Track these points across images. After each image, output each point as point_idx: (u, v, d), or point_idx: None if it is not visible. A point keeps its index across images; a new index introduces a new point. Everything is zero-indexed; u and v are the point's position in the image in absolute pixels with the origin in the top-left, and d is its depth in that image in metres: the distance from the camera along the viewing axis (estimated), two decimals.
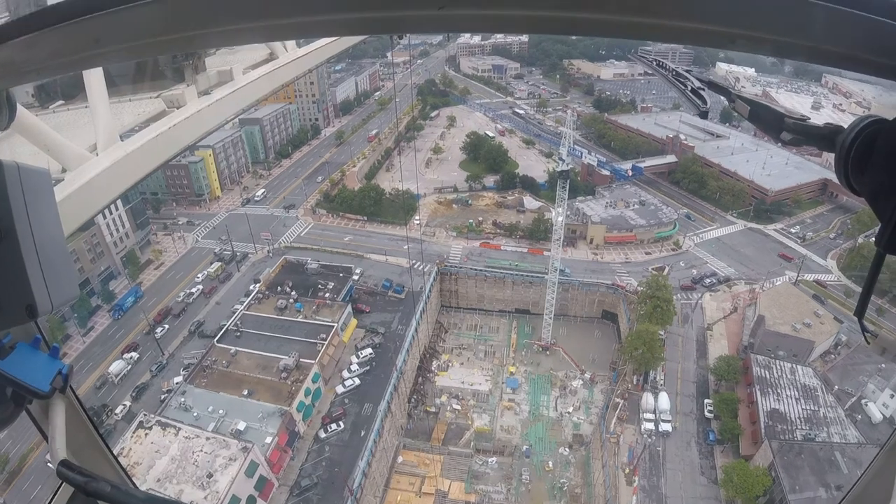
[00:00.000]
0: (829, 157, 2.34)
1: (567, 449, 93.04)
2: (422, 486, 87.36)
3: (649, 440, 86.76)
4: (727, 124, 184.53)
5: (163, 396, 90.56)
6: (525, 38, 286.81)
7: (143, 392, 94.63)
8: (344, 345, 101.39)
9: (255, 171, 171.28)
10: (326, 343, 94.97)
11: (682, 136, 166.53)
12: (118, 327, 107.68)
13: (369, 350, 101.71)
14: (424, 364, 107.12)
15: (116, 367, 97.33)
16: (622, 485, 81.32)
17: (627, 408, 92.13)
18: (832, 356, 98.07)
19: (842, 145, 2.24)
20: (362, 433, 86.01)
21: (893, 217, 2.02)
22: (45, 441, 3.34)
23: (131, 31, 2.69)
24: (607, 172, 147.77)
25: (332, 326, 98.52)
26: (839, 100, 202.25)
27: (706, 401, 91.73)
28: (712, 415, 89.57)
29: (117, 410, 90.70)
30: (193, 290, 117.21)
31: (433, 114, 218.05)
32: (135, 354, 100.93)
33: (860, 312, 2.50)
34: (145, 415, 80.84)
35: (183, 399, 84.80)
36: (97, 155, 7.78)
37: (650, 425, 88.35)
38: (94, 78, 7.80)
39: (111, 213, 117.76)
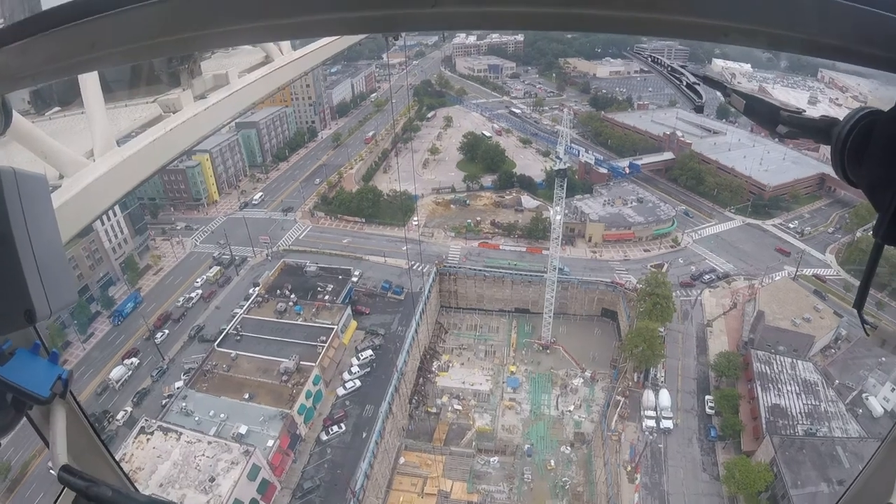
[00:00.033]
0: (827, 151, 2.33)
1: (569, 447, 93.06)
2: (424, 487, 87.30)
3: (651, 437, 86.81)
4: (724, 120, 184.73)
5: (164, 401, 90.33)
6: (520, 37, 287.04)
7: (144, 397, 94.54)
8: (344, 347, 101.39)
9: (252, 174, 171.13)
10: (327, 345, 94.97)
11: (678, 133, 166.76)
12: (118, 333, 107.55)
13: (369, 352, 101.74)
14: (425, 365, 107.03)
15: (117, 372, 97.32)
16: (624, 482, 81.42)
17: (628, 405, 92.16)
18: (832, 350, 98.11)
19: (838, 137, 2.24)
20: (364, 435, 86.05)
21: (891, 207, 2.00)
22: (47, 447, 3.35)
23: (126, 35, 2.69)
24: (605, 170, 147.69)
25: (332, 329, 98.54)
26: (835, 94, 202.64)
27: (707, 397, 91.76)
28: (713, 411, 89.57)
29: (119, 416, 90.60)
30: (193, 294, 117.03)
31: (430, 114, 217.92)
32: (135, 360, 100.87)
33: (859, 304, 2.49)
34: (147, 420, 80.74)
35: (184, 404, 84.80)
36: (94, 161, 7.78)
37: (651, 422, 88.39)
38: (90, 84, 7.80)
39: (109, 218, 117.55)
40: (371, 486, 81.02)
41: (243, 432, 79.70)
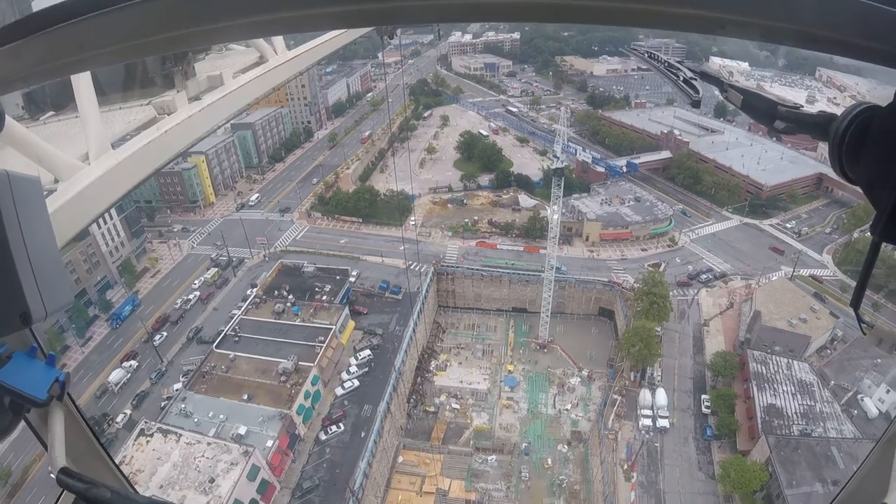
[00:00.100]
0: (825, 151, 2.35)
1: (566, 446, 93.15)
2: (422, 486, 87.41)
3: (647, 436, 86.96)
4: (722, 119, 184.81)
5: (163, 403, 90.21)
6: (517, 35, 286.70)
7: (143, 400, 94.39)
8: (342, 347, 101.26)
9: (248, 175, 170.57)
10: (325, 345, 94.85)
11: (676, 132, 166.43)
12: (116, 336, 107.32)
13: (367, 351, 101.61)
14: (423, 364, 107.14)
15: (116, 375, 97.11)
16: (621, 481, 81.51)
17: (625, 404, 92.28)
18: (828, 351, 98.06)
19: (835, 133, 2.24)
20: (362, 434, 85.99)
21: (889, 204, 1.99)
22: (45, 450, 3.36)
23: (116, 34, 2.71)
24: (602, 169, 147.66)
25: (330, 329, 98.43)
26: (833, 93, 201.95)
27: (703, 396, 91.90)
28: (709, 410, 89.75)
29: (118, 419, 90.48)
30: (191, 296, 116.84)
31: (426, 114, 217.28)
32: (134, 363, 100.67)
33: (856, 303, 2.52)
34: (146, 422, 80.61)
35: (183, 405, 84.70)
36: (89, 164, 7.80)
37: (648, 421, 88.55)
38: (83, 87, 7.82)
39: (106, 222, 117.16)
40: (370, 485, 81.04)
41: (242, 433, 79.59)
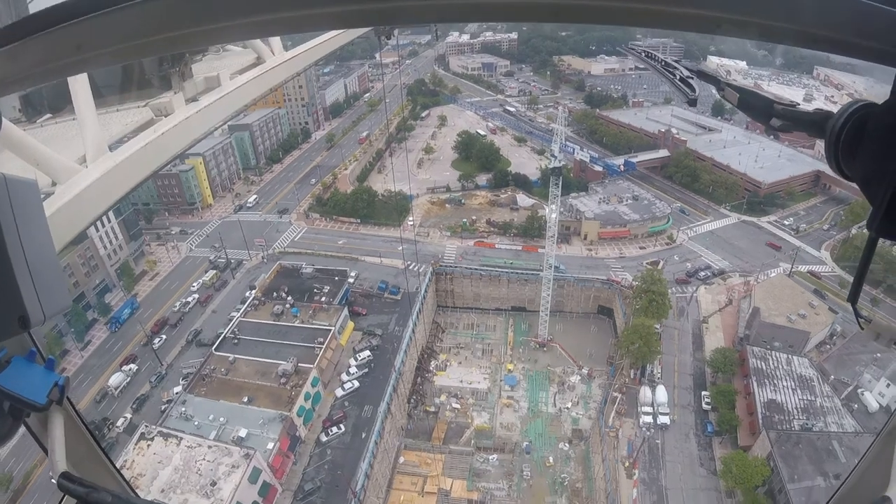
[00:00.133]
0: (822, 148, 2.34)
1: (567, 444, 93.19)
2: (424, 486, 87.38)
3: (648, 433, 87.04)
4: (719, 118, 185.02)
5: (163, 407, 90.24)
6: (514, 35, 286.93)
7: (143, 403, 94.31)
8: (342, 348, 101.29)
9: (246, 177, 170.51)
10: (324, 347, 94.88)
11: (674, 131, 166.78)
12: (116, 340, 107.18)
13: (367, 352, 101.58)
14: (423, 364, 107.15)
15: (116, 379, 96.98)
16: (622, 478, 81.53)
17: (625, 402, 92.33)
18: (828, 346, 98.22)
19: (832, 130, 2.25)
20: (363, 435, 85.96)
21: (885, 201, 2.01)
22: (46, 454, 3.34)
23: (113, 35, 2.72)
24: (600, 168, 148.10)
25: (330, 330, 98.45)
26: (831, 92, 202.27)
27: (703, 393, 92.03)
28: (710, 407, 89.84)
29: (118, 423, 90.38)
30: (189, 299, 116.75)
31: (424, 114, 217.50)
32: (133, 366, 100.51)
33: (853, 298, 2.54)
34: (147, 426, 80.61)
35: (183, 408, 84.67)
36: (86, 167, 7.79)
37: (648, 418, 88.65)
38: (80, 89, 7.81)
39: (103, 225, 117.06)
40: (371, 485, 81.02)
41: (243, 435, 79.59)
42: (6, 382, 3.05)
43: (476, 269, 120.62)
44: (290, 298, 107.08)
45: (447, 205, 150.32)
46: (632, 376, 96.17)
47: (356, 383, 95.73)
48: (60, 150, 7.88)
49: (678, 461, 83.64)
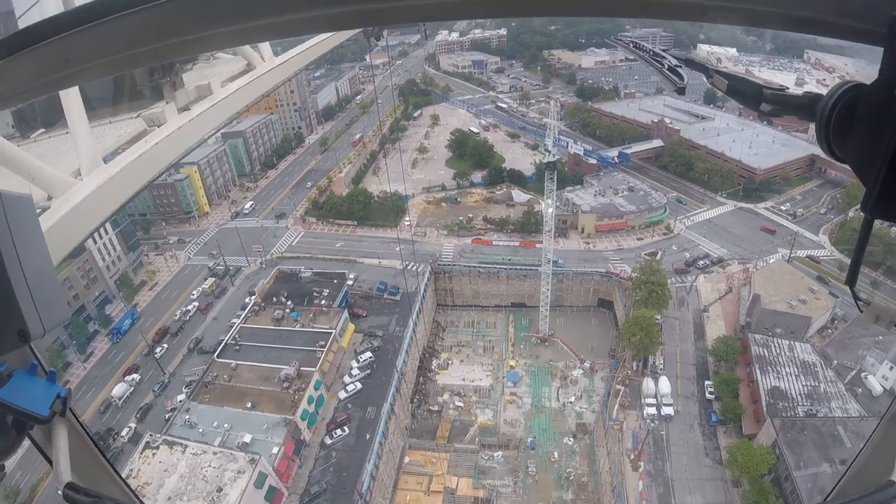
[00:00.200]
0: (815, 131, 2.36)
1: (571, 438, 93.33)
2: (430, 485, 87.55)
3: (652, 425, 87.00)
4: (712, 105, 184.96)
5: (167, 415, 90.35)
6: (503, 31, 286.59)
7: (147, 412, 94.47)
8: (343, 350, 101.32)
9: (241, 183, 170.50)
10: (326, 350, 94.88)
11: (667, 120, 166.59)
12: (117, 350, 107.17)
13: (369, 354, 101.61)
14: (424, 364, 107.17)
15: (119, 389, 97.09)
16: (628, 471, 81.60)
17: (629, 394, 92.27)
18: (829, 331, 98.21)
19: (822, 113, 2.26)
20: (367, 436, 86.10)
21: (878, 181, 1.99)
22: (50, 466, 3.35)
23: (101, 48, 2.73)
24: (594, 161, 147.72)
25: (331, 333, 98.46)
26: (822, 75, 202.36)
27: (706, 382, 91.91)
28: (713, 396, 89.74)
29: (123, 433, 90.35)
30: (189, 307, 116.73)
31: (416, 113, 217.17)
32: (136, 376, 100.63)
33: (851, 281, 2.54)
34: (151, 435, 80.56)
35: (187, 416, 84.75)
36: (81, 180, 7.80)
37: (652, 410, 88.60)
38: (72, 103, 7.82)
39: (101, 237, 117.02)
40: (377, 486, 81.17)
41: (248, 441, 79.70)
42: (8, 396, 3.05)
43: (474, 267, 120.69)
44: (289, 303, 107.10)
45: (443, 204, 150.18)
46: (634, 368, 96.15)
47: (359, 385, 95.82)
48: (55, 164, 7.89)
49: (683, 452, 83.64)
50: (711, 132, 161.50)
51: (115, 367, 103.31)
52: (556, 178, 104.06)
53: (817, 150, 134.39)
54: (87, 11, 2.56)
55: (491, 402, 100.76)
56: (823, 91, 2.35)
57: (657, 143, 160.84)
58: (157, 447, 77.52)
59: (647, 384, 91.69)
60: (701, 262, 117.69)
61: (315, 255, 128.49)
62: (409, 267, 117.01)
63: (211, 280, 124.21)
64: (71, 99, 7.78)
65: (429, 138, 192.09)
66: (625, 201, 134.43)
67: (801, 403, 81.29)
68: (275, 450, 78.98)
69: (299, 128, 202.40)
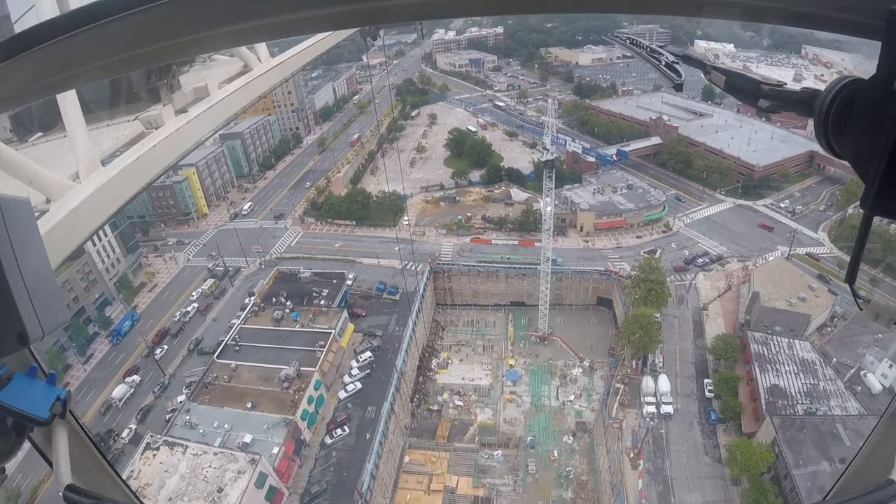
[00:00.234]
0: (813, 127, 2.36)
1: (571, 437, 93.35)
2: (430, 484, 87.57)
3: (652, 423, 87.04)
4: (710, 102, 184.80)
5: (167, 416, 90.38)
6: (500, 29, 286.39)
7: (147, 414, 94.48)
8: (343, 350, 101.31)
9: (240, 185, 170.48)
10: (325, 350, 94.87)
11: (665, 117, 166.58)
12: (117, 352, 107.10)
13: (368, 353, 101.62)
14: (424, 363, 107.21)
15: (119, 391, 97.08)
16: (628, 469, 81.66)
17: (628, 392, 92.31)
18: (829, 329, 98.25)
19: (820, 108, 2.25)
20: (367, 436, 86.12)
21: (877, 177, 1.99)
22: (51, 468, 3.35)
23: (97, 51, 2.74)
24: (592, 159, 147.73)
25: (330, 333, 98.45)
26: (820, 70, 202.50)
27: (706, 380, 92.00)
28: (713, 394, 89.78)
29: (124, 434, 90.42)
30: (189, 308, 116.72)
31: (413, 113, 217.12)
32: (136, 377, 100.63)
33: (851, 278, 2.53)
34: (152, 436, 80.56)
35: (188, 417, 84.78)
36: (80, 183, 7.81)
37: (652, 408, 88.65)
38: (70, 106, 7.82)
39: (100, 239, 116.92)
40: (377, 486, 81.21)
41: (248, 441, 79.75)
42: (8, 399, 3.06)
43: (473, 266, 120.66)
44: (289, 303, 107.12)
45: (441, 203, 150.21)
46: (633, 367, 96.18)
47: (358, 385, 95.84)
48: (53, 167, 7.91)
49: (683, 450, 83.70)
50: (710, 129, 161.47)
51: (115, 369, 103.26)
52: (554, 176, 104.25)
53: (816, 147, 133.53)
54: (83, 14, 2.58)
55: (490, 401, 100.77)
56: (822, 86, 2.36)
57: (655, 140, 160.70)
58: (158, 448, 77.56)
59: (647, 382, 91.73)
60: (700, 260, 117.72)
61: (314, 255, 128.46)
62: (408, 266, 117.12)
63: (210, 281, 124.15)
64: (68, 102, 7.79)
65: (427, 137, 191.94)
66: (623, 199, 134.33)
67: (800, 402, 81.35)
68: (275, 450, 79.02)
69: (297, 128, 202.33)
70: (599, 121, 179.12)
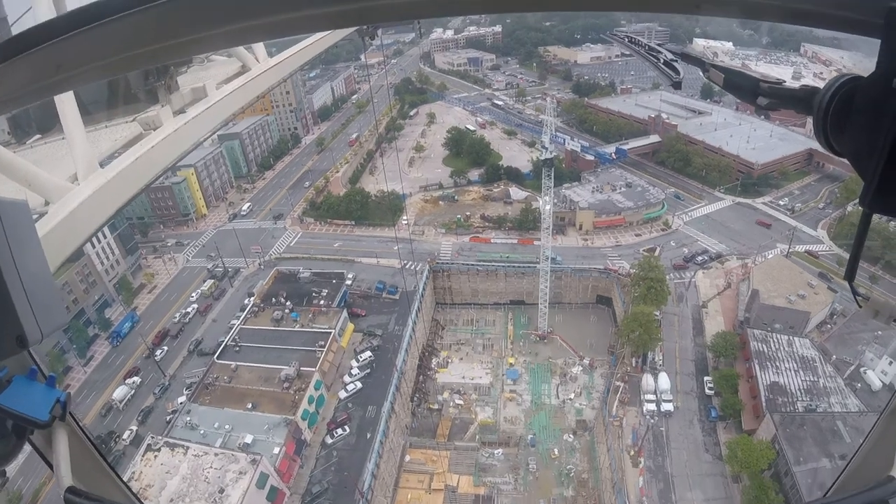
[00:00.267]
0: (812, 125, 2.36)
1: (571, 435, 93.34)
2: (431, 483, 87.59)
3: (652, 421, 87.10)
4: (709, 100, 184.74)
5: (168, 417, 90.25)
6: (498, 28, 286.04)
7: (148, 415, 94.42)
8: (343, 350, 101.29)
9: (238, 185, 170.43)
10: (325, 350, 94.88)
11: (664, 116, 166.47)
12: (118, 354, 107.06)
13: (368, 353, 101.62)
14: (424, 362, 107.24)
15: (120, 392, 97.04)
16: (628, 467, 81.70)
17: (628, 390, 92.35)
18: (828, 326, 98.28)
19: (819, 106, 2.24)
20: (368, 435, 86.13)
21: (876, 175, 1.98)
22: (51, 470, 3.35)
23: (99, 50, 2.74)
24: (591, 157, 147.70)
25: (330, 333, 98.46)
26: (819, 68, 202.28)
27: (706, 378, 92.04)
28: (713, 392, 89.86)
29: (124, 436, 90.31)
30: (189, 309, 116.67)
31: (412, 112, 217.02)
32: (137, 379, 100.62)
33: (850, 276, 2.53)
34: (153, 437, 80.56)
35: (188, 418, 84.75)
36: (78, 184, 7.81)
37: (652, 406, 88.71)
38: (67, 107, 7.82)
39: (99, 241, 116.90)
40: (378, 485, 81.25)
41: (249, 441, 79.74)
42: (8, 401, 3.07)
43: (473, 265, 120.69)
44: (288, 303, 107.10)
45: (440, 202, 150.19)
46: (633, 364, 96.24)
47: (359, 384, 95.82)
48: (51, 169, 7.90)
49: (683, 448, 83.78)
50: (709, 127, 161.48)
51: (115, 371, 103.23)
52: (553, 174, 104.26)
53: (815, 145, 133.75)
54: (80, 16, 2.58)
55: (491, 400, 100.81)
56: (820, 84, 2.35)
57: (654, 138, 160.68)
58: (159, 449, 77.55)
59: (647, 380, 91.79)
60: (699, 258, 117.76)
61: (313, 255, 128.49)
62: (407, 266, 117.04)
63: (210, 282, 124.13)
64: (66, 104, 7.78)
65: (425, 137, 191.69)
66: (622, 197, 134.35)
67: (800, 399, 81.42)
68: (276, 450, 79.02)
69: (295, 128, 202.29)
70: (598, 119, 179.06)
